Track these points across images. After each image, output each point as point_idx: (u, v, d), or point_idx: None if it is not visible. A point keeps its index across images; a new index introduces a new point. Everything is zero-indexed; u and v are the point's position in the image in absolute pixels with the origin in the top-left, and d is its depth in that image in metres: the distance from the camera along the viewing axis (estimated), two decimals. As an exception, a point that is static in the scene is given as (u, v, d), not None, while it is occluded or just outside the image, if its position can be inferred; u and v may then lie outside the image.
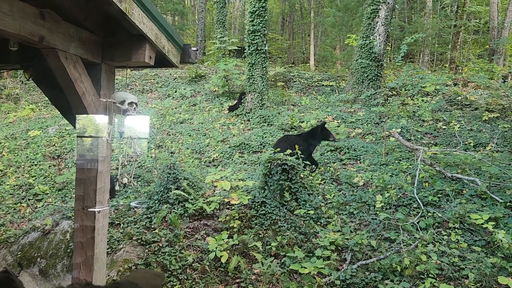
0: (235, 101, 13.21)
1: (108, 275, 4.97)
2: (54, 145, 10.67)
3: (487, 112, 10.69)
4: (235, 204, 6.09)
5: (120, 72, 15.63)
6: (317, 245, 5.32)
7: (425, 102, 10.30)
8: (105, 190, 3.54)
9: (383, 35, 12.48)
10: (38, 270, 5.69)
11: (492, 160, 6.94)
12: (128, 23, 3.05)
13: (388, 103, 9.54)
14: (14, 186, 8.59)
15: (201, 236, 5.69)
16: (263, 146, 9.76)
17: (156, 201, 6.32)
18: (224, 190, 6.39)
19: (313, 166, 7.78)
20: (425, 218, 5.66)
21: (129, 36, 3.34)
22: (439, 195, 6.26)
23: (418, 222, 5.57)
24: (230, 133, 11.13)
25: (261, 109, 12.17)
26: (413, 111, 10.26)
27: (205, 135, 11.11)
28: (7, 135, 11.44)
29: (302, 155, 7.18)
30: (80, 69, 3.15)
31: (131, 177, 3.68)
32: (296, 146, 7.35)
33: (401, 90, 9.34)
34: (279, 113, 11.93)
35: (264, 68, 12.46)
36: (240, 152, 9.71)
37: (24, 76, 3.76)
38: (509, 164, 7.19)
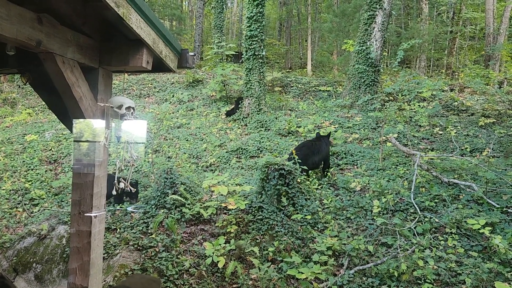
0: (232, 106, 13.24)
1: (104, 281, 4.94)
2: (50, 149, 10.64)
3: (483, 117, 10.75)
4: (232, 209, 6.08)
5: (117, 77, 15.60)
6: (314, 250, 5.31)
7: (422, 108, 10.37)
8: (101, 195, 3.52)
9: (379, 41, 12.55)
10: (33, 275, 5.65)
11: (488, 165, 6.97)
12: (126, 28, 3.06)
13: (385, 108, 9.58)
14: (10, 190, 8.55)
15: (198, 241, 5.67)
16: (260, 151, 9.76)
17: (153, 206, 6.30)
18: (221, 195, 6.38)
19: (326, 169, 8.03)
20: (422, 223, 5.67)
21: (126, 41, 3.34)
22: (436, 200, 6.27)
23: (415, 227, 5.57)
24: (227, 138, 11.14)
25: (258, 114, 12.19)
26: (410, 117, 10.31)
27: (202, 140, 11.11)
28: (4, 139, 11.40)
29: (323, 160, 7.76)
30: (77, 73, 3.15)
31: (127, 182, 3.67)
32: (293, 152, 7.36)
33: (398, 95, 9.39)
34: (276, 118, 11.96)
35: (262, 73, 12.50)
36: (237, 157, 9.71)
37: (21, 80, 3.75)
38: (505, 170, 7.22)
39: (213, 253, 5.19)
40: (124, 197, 6.87)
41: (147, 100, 15.50)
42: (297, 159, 6.99)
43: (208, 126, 12.27)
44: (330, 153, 9.07)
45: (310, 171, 7.59)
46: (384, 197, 6.39)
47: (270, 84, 15.68)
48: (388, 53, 22.35)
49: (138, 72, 4.13)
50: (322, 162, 7.93)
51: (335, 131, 10.25)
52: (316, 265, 4.87)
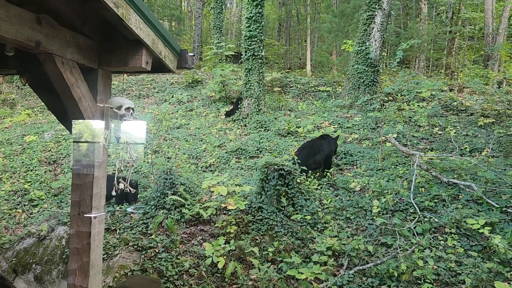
0: (232, 107, 13.24)
1: (104, 281, 4.94)
2: (50, 150, 10.63)
3: (482, 117, 10.75)
4: (232, 209, 6.08)
5: (116, 77, 15.64)
6: (314, 251, 5.31)
7: (421, 108, 10.37)
8: (101, 195, 3.52)
9: (379, 41, 12.56)
10: (33, 276, 5.64)
11: (487, 165, 6.97)
12: (125, 28, 3.05)
13: (384, 108, 9.59)
14: (10, 191, 8.54)
15: (197, 241, 5.67)
16: (260, 151, 9.76)
17: (153, 207, 6.29)
18: (221, 195, 6.37)
19: (326, 169, 8.02)
20: (421, 223, 5.67)
21: (126, 41, 3.34)
22: (436, 200, 6.27)
23: (414, 227, 5.57)
24: (226, 138, 11.14)
25: (257, 114, 12.19)
26: (409, 117, 10.31)
27: (201, 140, 11.11)
28: (3, 140, 11.40)
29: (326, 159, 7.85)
30: (77, 74, 3.15)
31: (127, 182, 3.67)
32: (293, 151, 7.37)
33: (397, 95, 9.39)
34: (275, 118, 11.96)
35: (261, 74, 12.50)
36: (236, 157, 9.71)
37: (20, 81, 3.75)
38: (505, 169, 7.22)
39: (213, 253, 5.19)
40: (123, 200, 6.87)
41: (146, 100, 15.50)
42: (297, 159, 7.00)
43: (207, 126, 12.27)
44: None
45: (310, 172, 7.58)
46: (384, 197, 6.39)
47: (269, 85, 15.68)
48: (387, 53, 22.36)
49: (137, 72, 4.13)
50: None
51: (335, 131, 10.25)
52: (316, 265, 4.87)
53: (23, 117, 13.81)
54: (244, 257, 5.36)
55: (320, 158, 7.74)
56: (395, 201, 6.36)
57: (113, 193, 3.58)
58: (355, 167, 8.45)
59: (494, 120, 10.57)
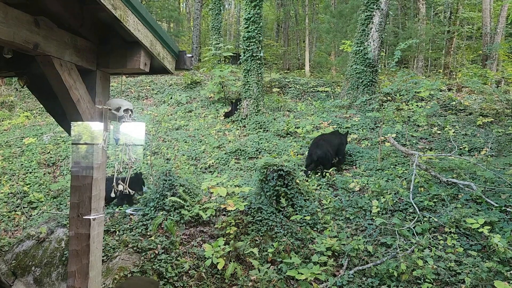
0: (231, 107, 13.25)
1: (104, 283, 4.93)
2: (49, 152, 10.62)
3: (481, 117, 10.77)
4: (231, 210, 6.07)
5: (115, 79, 15.66)
6: (314, 251, 5.31)
7: (420, 107, 10.38)
8: (100, 197, 3.52)
9: (377, 41, 12.58)
10: (32, 279, 5.63)
11: (486, 164, 6.98)
12: (123, 30, 3.05)
13: (383, 108, 9.59)
14: (9, 194, 8.52)
15: (197, 243, 5.66)
16: (259, 152, 9.76)
17: (152, 208, 6.29)
18: (220, 196, 6.37)
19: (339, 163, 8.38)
20: (421, 223, 5.67)
21: (124, 43, 3.34)
22: (435, 200, 6.27)
23: (414, 227, 5.58)
24: (226, 139, 11.14)
25: (256, 115, 12.19)
26: (408, 116, 10.32)
27: (201, 142, 11.11)
28: (2, 142, 11.38)
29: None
30: (75, 76, 3.15)
31: (126, 183, 3.66)
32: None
33: (395, 95, 9.40)
34: (274, 119, 11.96)
35: (260, 74, 12.51)
36: (236, 158, 9.71)
37: (18, 83, 3.75)
38: (504, 169, 7.23)
39: (212, 254, 5.19)
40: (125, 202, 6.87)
41: (145, 102, 15.49)
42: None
43: (206, 127, 12.27)
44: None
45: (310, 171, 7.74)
46: (383, 197, 6.39)
47: (268, 85, 15.69)
48: (385, 53, 22.38)
49: (136, 74, 4.13)
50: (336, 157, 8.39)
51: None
52: (316, 265, 4.86)
53: (21, 119, 13.79)
54: (244, 258, 5.36)
55: (333, 151, 8.23)
56: (395, 201, 6.37)
57: (112, 194, 3.57)
58: (354, 167, 8.46)
59: (493, 119, 10.59)
